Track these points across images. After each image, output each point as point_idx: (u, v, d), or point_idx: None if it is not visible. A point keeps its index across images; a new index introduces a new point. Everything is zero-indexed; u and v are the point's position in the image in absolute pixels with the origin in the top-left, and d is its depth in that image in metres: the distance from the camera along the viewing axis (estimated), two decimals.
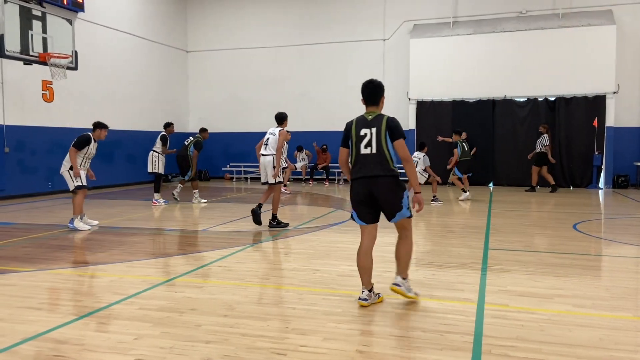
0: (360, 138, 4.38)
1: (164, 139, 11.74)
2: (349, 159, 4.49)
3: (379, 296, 4.45)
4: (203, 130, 12.56)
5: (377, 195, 4.28)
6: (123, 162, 17.04)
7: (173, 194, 12.08)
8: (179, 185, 12.30)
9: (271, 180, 8.32)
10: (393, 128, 4.39)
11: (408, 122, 17.33)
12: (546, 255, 6.34)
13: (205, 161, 20.27)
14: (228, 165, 19.90)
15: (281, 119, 8.59)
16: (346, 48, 18.55)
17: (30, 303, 4.51)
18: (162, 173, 11.82)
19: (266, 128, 9.91)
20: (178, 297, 4.62)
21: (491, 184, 16.35)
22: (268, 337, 3.65)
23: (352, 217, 4.47)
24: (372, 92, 4.56)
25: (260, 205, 8.41)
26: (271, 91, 19.39)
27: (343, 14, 18.53)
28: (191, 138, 12.18)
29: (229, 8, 19.92)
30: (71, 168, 8.27)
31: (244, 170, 19.58)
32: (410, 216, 4.40)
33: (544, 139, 14.52)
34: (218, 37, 20.08)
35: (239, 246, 6.96)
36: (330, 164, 18.00)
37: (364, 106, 4.76)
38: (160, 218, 9.95)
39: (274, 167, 8.27)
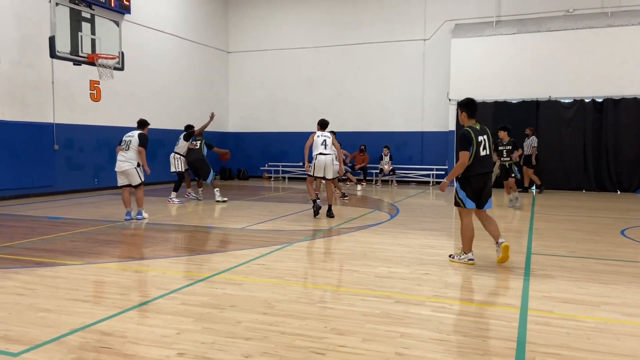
0: (479, 143, 5.69)
1: (187, 137, 12.04)
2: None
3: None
4: (190, 127, 12.46)
5: (488, 185, 5.80)
6: (165, 160, 17.41)
7: (218, 200, 12.05)
8: (216, 189, 12.19)
9: (334, 175, 9.71)
10: (492, 135, 5.94)
11: (448, 123, 17.10)
12: (592, 262, 6.13)
13: (244, 160, 20.55)
14: (266, 165, 20.11)
15: (328, 124, 9.91)
16: (386, 48, 18.45)
17: (78, 295, 4.67)
18: (184, 171, 12.11)
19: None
20: (218, 293, 4.70)
21: (534, 188, 15.93)
22: (307, 336, 3.66)
23: (462, 203, 5.78)
24: (477, 107, 5.90)
25: (329, 207, 9.62)
26: (310, 91, 19.48)
27: (383, 14, 18.43)
28: (195, 140, 12.15)
29: (269, 10, 20.13)
30: (138, 165, 9.08)
31: (282, 170, 19.73)
32: None
33: (534, 141, 14.74)
34: (258, 38, 20.32)
35: (278, 245, 7.02)
36: (367, 165, 17.94)
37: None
38: (200, 216, 10.14)
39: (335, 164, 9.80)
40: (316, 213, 9.49)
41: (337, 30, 19.11)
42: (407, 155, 18.32)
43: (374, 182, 17.98)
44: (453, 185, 6.09)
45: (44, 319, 4.01)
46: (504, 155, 11.21)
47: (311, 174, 9.62)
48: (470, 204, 5.78)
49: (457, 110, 6.17)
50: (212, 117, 12.42)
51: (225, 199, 12.26)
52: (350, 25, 18.92)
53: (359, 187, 16.47)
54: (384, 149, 17.76)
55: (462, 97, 18.49)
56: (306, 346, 3.47)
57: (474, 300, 4.57)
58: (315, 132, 9.70)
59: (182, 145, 12.10)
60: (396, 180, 17.86)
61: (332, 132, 10.68)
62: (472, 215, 5.92)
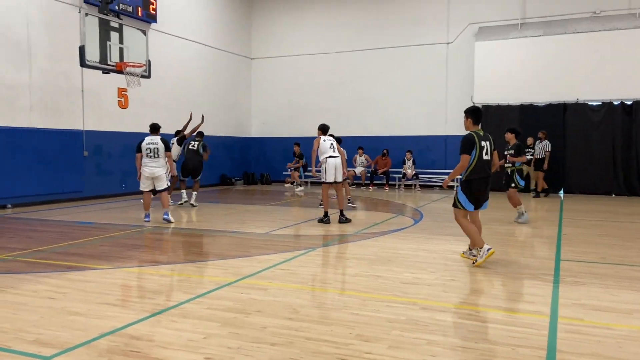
0: (482, 148, 6.02)
1: (180, 141, 12.56)
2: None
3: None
4: (180, 131, 12.94)
5: (488, 189, 6.16)
6: None
7: (193, 204, 12.12)
8: (194, 192, 12.28)
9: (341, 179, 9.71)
10: (493, 142, 6.27)
11: None
12: (624, 268, 5.98)
13: (267, 165, 20.67)
14: (289, 170, 20.15)
15: (329, 128, 10.16)
16: (408, 52, 18.36)
17: (107, 299, 4.76)
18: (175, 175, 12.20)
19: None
20: (244, 298, 4.73)
21: (562, 192, 15.65)
22: (332, 342, 3.66)
23: (461, 205, 6.10)
24: (481, 115, 6.30)
25: (341, 212, 9.62)
26: (332, 96, 19.51)
27: (405, 18, 18.36)
28: (194, 141, 12.55)
29: (291, 16, 20.24)
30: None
31: (305, 175, 19.76)
32: None
33: (547, 145, 14.56)
34: (280, 44, 20.45)
35: (301, 250, 7.04)
36: (390, 169, 17.85)
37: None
38: (225, 220, 10.22)
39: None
40: (328, 222, 9.44)
41: (359, 35, 19.10)
42: (430, 160, 18.17)
43: (396, 187, 17.89)
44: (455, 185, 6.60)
45: (75, 323, 4.10)
46: (507, 160, 9.90)
47: (324, 179, 9.53)
48: (470, 206, 6.11)
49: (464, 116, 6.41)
50: (202, 118, 13.09)
51: (197, 204, 12.24)
52: (371, 29, 18.90)
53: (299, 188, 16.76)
54: (407, 154, 17.66)
55: (486, 101, 18.28)
56: (332, 352, 3.47)
57: (502, 308, 4.50)
58: (319, 137, 9.70)
59: (175, 149, 12.32)
60: (419, 185, 17.73)
61: (332, 136, 10.82)
62: (474, 215, 6.32)
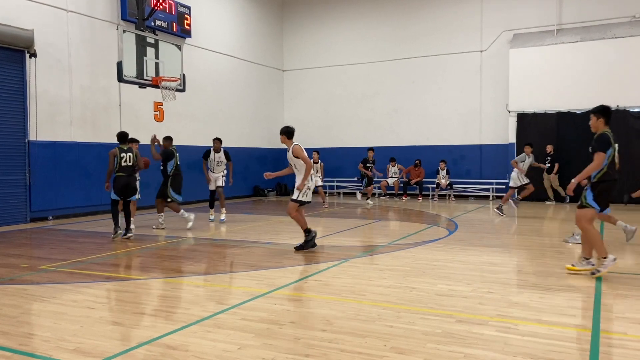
0: (614, 149, 5.80)
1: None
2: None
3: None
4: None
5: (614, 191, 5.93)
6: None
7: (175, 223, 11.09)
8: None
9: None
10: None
11: (508, 135, 16.62)
12: None
13: None
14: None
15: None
16: (441, 61, 18.23)
17: (144, 309, 4.85)
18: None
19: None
20: (277, 309, 4.74)
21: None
22: (367, 354, 3.62)
23: (589, 204, 5.76)
24: (611, 115, 5.93)
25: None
26: (365, 106, 19.50)
27: (438, 27, 18.26)
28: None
29: (323, 27, 20.39)
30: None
31: (337, 185, 19.77)
32: None
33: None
34: (312, 55, 20.61)
35: (334, 261, 7.01)
36: (424, 179, 17.67)
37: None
38: (258, 231, 10.29)
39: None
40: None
41: (391, 45, 19.08)
42: (464, 169, 17.92)
43: (430, 197, 17.68)
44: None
45: (113, 332, 4.19)
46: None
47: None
48: (597, 206, 5.77)
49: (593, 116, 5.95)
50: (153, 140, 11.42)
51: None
52: (404, 39, 18.85)
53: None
54: (441, 163, 17.45)
55: (522, 109, 17.93)
56: None
57: (541, 321, 4.37)
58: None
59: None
60: (454, 195, 17.48)
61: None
62: (593, 219, 5.87)
